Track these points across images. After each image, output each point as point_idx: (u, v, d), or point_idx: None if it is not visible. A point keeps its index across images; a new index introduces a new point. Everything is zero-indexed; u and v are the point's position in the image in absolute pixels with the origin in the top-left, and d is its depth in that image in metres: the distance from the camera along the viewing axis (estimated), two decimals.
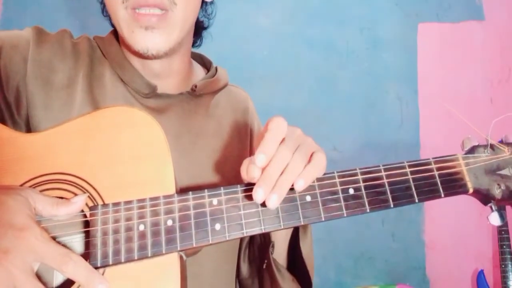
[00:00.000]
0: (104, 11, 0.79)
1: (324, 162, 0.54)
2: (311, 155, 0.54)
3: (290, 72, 2.08)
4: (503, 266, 1.77)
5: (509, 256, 1.77)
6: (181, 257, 0.55)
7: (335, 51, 2.11)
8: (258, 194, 0.50)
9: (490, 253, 2.00)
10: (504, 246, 1.78)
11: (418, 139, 2.07)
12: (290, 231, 0.70)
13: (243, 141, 0.82)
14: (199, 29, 0.85)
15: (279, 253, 0.71)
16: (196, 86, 0.77)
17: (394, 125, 2.08)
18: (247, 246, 0.80)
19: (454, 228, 2.00)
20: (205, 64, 0.89)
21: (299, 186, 0.52)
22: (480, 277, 1.88)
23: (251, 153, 0.58)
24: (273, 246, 0.69)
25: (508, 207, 0.59)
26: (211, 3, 0.83)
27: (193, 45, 0.86)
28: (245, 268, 0.79)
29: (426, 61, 2.13)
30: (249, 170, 0.51)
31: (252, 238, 0.78)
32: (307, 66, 2.09)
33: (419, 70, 2.12)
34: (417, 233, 2.00)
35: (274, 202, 0.50)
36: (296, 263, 0.70)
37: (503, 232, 1.79)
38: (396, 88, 2.10)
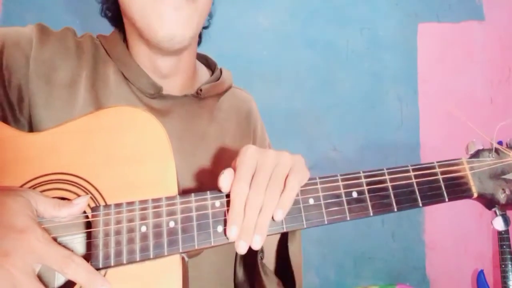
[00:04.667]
0: (103, 11, 0.78)
1: (301, 174, 0.55)
2: (286, 177, 0.54)
3: (290, 72, 2.07)
4: (503, 266, 1.78)
5: (509, 256, 1.77)
6: (183, 259, 0.55)
7: (335, 51, 2.11)
8: (241, 247, 0.51)
9: (490, 253, 2.00)
10: (504, 246, 1.79)
11: (418, 139, 2.07)
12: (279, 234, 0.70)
13: (246, 144, 0.81)
14: None
15: (269, 255, 0.71)
16: (201, 90, 0.77)
17: (394, 125, 2.08)
18: None
19: (454, 228, 2.00)
20: (210, 65, 0.88)
21: (279, 217, 0.53)
22: (480, 277, 1.89)
23: None
24: (262, 251, 0.69)
25: None
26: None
27: None
28: (240, 273, 0.79)
29: (426, 61, 2.12)
30: (228, 229, 0.52)
31: None
32: (307, 66, 2.08)
33: (419, 70, 2.12)
34: (417, 233, 2.00)
35: (258, 243, 0.51)
36: (286, 264, 0.70)
37: (503, 233, 1.79)
38: (396, 88, 2.10)
